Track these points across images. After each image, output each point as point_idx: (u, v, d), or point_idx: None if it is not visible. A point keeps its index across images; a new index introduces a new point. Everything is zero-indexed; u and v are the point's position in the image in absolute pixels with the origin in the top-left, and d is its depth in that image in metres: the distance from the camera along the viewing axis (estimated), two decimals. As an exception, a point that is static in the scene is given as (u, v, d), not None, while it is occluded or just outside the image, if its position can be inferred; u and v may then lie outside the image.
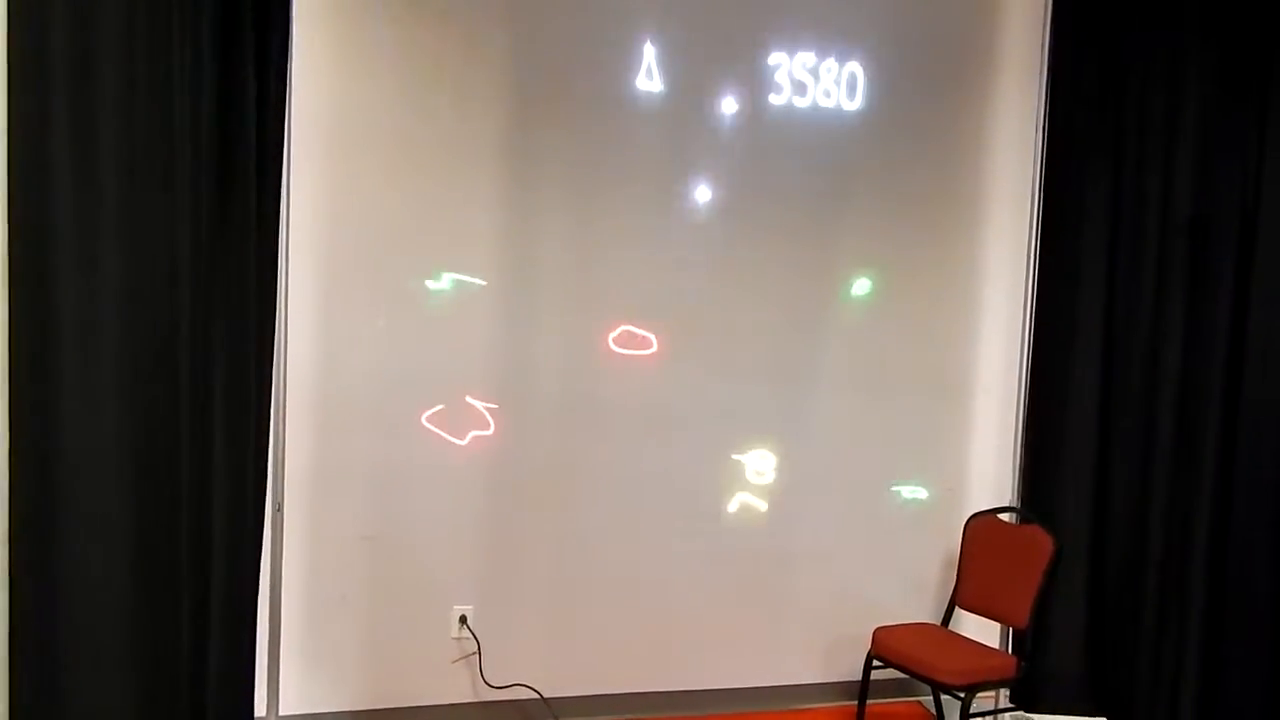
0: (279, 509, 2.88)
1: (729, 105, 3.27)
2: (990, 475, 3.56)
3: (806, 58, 3.31)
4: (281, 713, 2.96)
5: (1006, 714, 3.33)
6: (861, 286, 3.40)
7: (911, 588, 3.53)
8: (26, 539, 1.68)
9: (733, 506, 3.40)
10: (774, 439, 3.42)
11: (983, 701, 3.04)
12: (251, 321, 2.54)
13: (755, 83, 3.28)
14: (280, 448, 2.87)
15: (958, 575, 3.29)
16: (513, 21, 3.10)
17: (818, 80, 3.33)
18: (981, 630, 3.25)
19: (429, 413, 3.10)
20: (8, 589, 1.49)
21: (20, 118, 1.59)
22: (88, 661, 1.80)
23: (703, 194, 3.29)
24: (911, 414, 3.51)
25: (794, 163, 3.35)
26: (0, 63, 1.64)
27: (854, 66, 3.35)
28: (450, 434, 3.12)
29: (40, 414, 1.71)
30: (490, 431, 3.15)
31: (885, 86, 3.38)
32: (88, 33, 1.76)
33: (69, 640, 1.77)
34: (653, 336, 3.28)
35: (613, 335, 3.25)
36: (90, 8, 1.77)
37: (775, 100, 3.30)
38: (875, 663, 3.09)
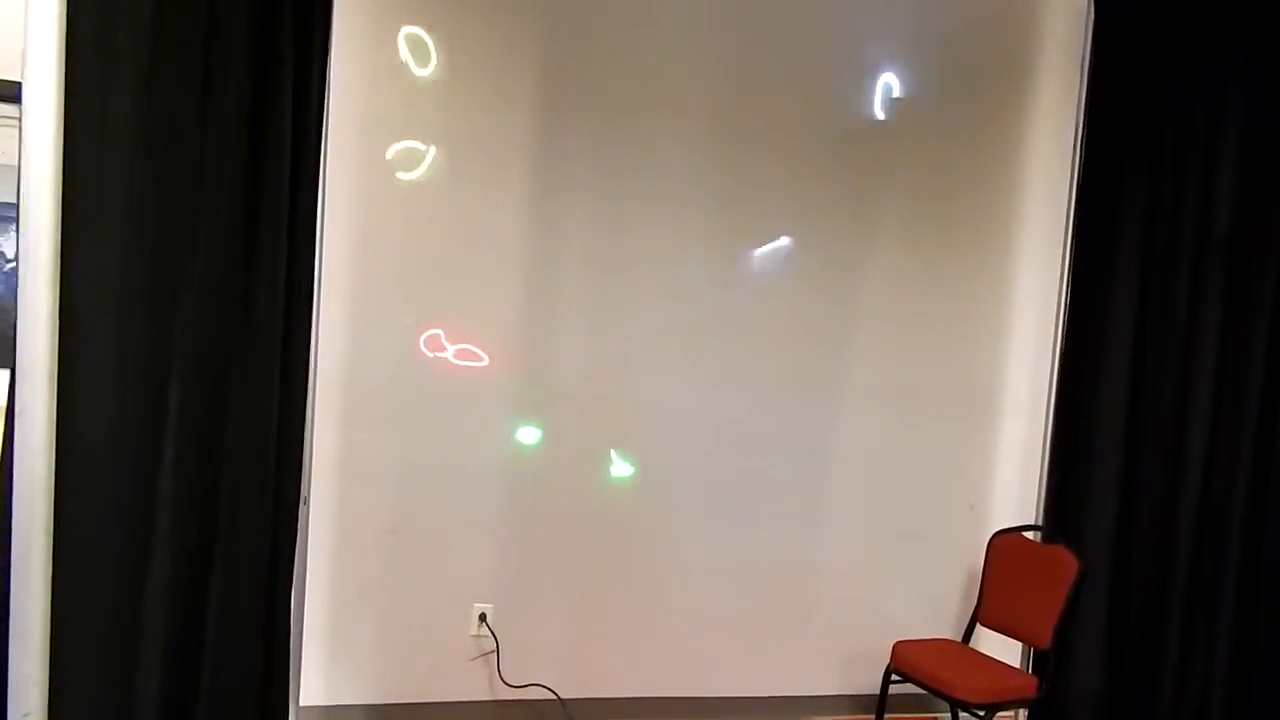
0: (304, 502, 2.90)
1: (763, 112, 3.26)
2: (1014, 492, 3.54)
3: (841, 67, 3.30)
4: (302, 704, 2.99)
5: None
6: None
7: (932, 603, 3.52)
8: (56, 528, 1.70)
9: (755, 514, 3.40)
10: (798, 450, 3.41)
11: (1001, 721, 3.02)
12: (279, 315, 2.54)
13: (790, 89, 3.28)
14: (308, 441, 2.89)
15: (980, 592, 3.27)
16: (549, 24, 3.11)
17: (853, 89, 3.32)
18: (1002, 649, 3.23)
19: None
20: (48, 580, 1.52)
21: (75, 114, 1.60)
22: (114, 652, 1.82)
23: (733, 200, 3.29)
24: (936, 428, 3.50)
25: (826, 172, 3.34)
26: (51, 55, 1.64)
27: (889, 77, 3.34)
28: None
29: (65, 405, 1.72)
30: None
31: (920, 97, 3.36)
32: (111, 24, 1.74)
33: (94, 629, 1.78)
34: (665, 345, 3.29)
35: (628, 339, 3.26)
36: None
37: (809, 108, 3.30)
38: (894, 677, 3.08)
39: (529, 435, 3.18)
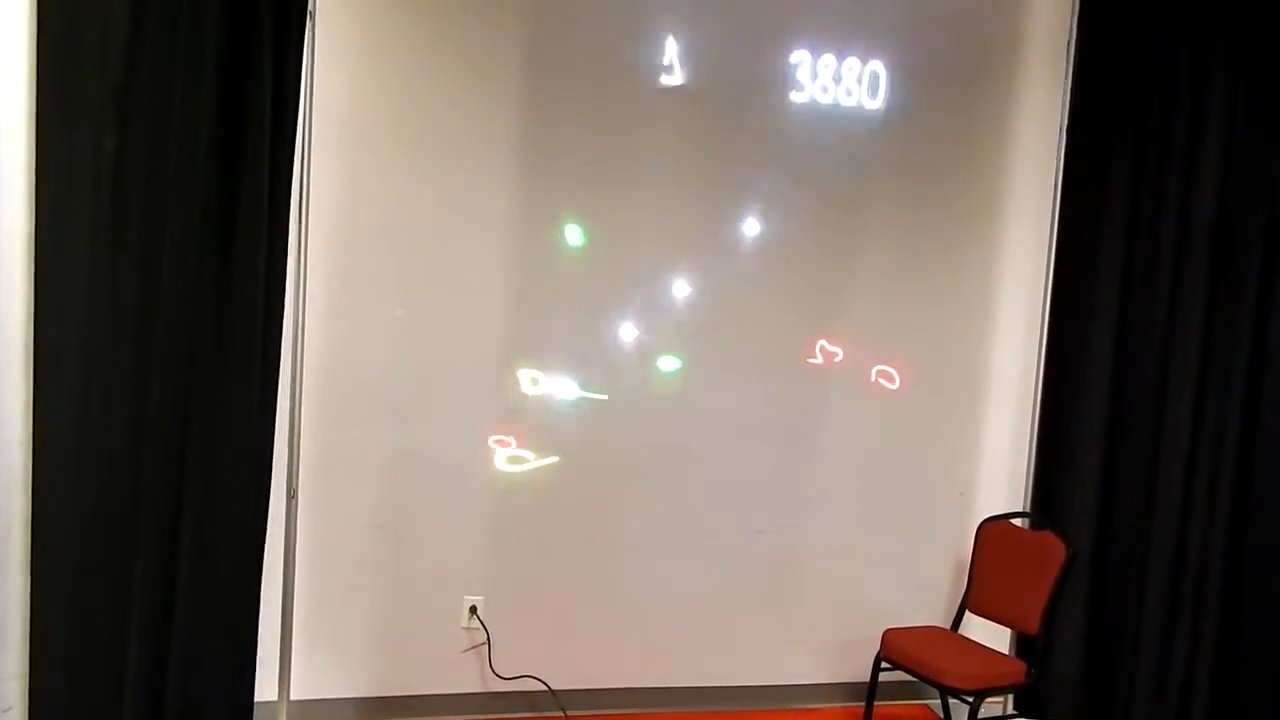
0: (294, 495, 2.90)
1: (750, 101, 3.26)
2: (1003, 479, 3.55)
3: (828, 56, 3.30)
4: (292, 698, 2.99)
5: None
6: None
7: (921, 591, 3.53)
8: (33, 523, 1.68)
9: (744, 503, 3.40)
10: (787, 440, 3.42)
11: (990, 707, 3.03)
12: (259, 306, 2.53)
13: (777, 80, 3.27)
14: (296, 435, 2.88)
15: (969, 579, 3.28)
16: (535, 14, 3.10)
17: (839, 79, 3.31)
18: (990, 635, 3.24)
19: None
20: (27, 577, 1.51)
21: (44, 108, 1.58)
22: (92, 645, 1.81)
23: (721, 189, 3.28)
24: (925, 417, 3.50)
25: (814, 160, 3.33)
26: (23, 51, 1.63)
27: (876, 65, 3.33)
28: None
29: (44, 405, 1.71)
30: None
31: (907, 86, 3.36)
32: (77, 15, 1.71)
33: (60, 621, 1.77)
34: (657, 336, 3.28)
35: (617, 328, 3.25)
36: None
37: (797, 98, 3.29)
38: (884, 664, 3.09)
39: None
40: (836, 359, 3.41)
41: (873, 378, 3.43)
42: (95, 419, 1.77)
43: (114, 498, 1.84)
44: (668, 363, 3.26)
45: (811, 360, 3.40)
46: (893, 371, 3.43)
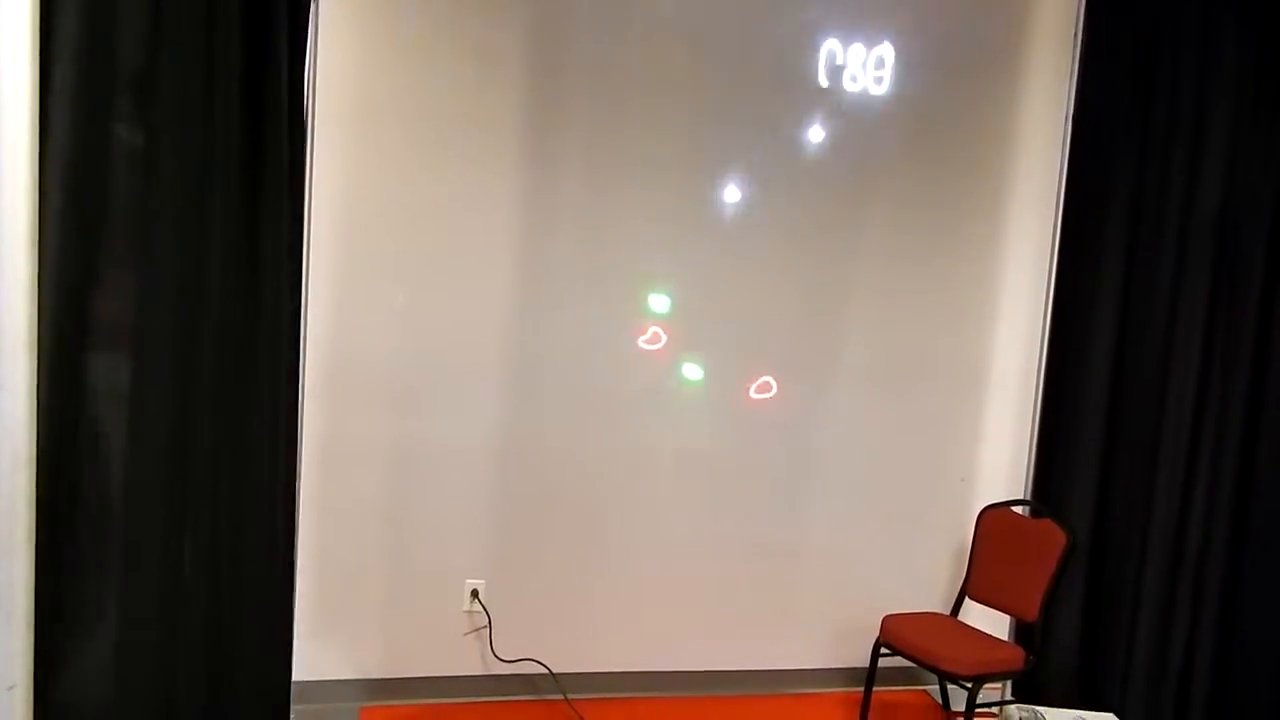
0: (298, 479, 2.90)
1: (757, 87, 3.25)
2: (1004, 467, 3.55)
3: (834, 41, 3.28)
4: (295, 679, 3.00)
5: (1012, 705, 3.34)
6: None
7: (921, 577, 3.54)
8: (65, 510, 1.69)
9: (745, 488, 3.41)
10: (789, 426, 3.42)
11: (989, 693, 3.05)
12: (284, 296, 2.52)
13: (781, 65, 3.26)
14: (300, 419, 2.89)
15: (969, 566, 3.29)
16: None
17: (845, 64, 3.30)
18: (989, 622, 3.26)
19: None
20: (31, 554, 1.52)
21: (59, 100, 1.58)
22: (124, 627, 1.82)
23: (725, 175, 3.28)
24: (926, 404, 3.50)
25: (818, 146, 3.32)
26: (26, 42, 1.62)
27: (882, 51, 3.31)
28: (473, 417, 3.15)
29: (73, 394, 1.71)
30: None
31: (913, 72, 3.34)
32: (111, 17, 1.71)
33: (103, 604, 1.78)
34: (662, 331, 3.28)
35: (619, 317, 3.25)
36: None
37: (800, 85, 3.28)
38: (883, 650, 3.10)
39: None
40: (840, 350, 3.41)
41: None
42: (108, 407, 1.77)
43: (131, 476, 1.85)
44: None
45: (814, 349, 3.40)
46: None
